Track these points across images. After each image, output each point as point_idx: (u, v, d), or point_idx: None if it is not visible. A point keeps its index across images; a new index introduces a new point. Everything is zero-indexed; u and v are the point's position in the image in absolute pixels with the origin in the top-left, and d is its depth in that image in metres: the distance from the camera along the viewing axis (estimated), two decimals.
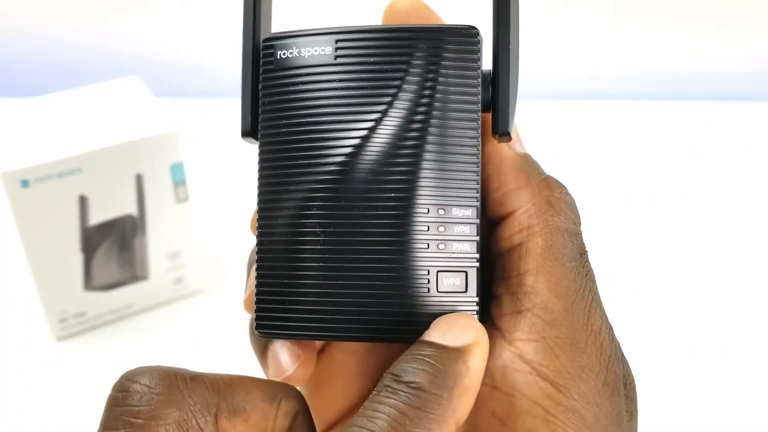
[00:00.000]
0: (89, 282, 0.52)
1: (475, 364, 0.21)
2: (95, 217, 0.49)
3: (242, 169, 0.68)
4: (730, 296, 0.58)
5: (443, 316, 0.22)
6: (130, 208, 0.50)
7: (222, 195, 0.66)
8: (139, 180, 0.49)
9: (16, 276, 0.57)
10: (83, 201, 0.48)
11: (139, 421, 0.21)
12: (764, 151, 0.75)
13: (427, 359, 0.21)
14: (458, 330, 0.22)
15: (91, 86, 0.52)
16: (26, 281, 0.52)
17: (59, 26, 0.80)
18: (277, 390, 0.24)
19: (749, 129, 0.78)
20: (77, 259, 0.50)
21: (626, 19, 0.80)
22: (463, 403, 0.21)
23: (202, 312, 0.56)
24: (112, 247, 0.51)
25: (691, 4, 0.79)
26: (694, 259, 0.61)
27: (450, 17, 0.26)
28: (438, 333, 0.22)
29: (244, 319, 0.54)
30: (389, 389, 0.20)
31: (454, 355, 0.21)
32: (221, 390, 0.23)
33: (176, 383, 0.22)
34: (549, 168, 0.26)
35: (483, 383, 0.23)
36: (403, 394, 0.20)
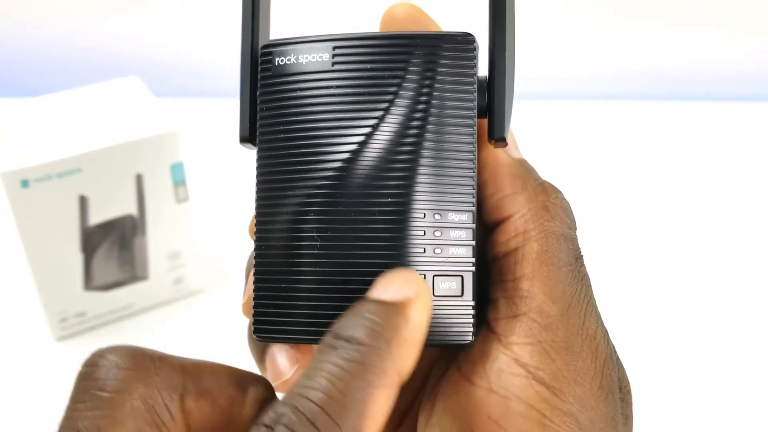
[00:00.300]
0: (89, 282, 0.52)
1: (415, 317, 0.21)
2: (95, 217, 0.49)
3: (242, 169, 0.68)
4: (727, 300, 0.57)
5: (386, 272, 0.23)
6: (130, 208, 0.50)
7: (222, 195, 0.66)
8: (139, 180, 0.49)
9: (16, 276, 0.57)
10: (83, 201, 0.48)
11: (105, 394, 0.21)
12: (764, 151, 0.75)
13: (366, 314, 0.21)
14: (398, 285, 0.22)
15: (91, 86, 0.52)
16: (26, 281, 0.52)
17: (59, 26, 0.80)
18: (246, 377, 0.24)
19: (749, 129, 0.78)
20: (77, 259, 0.50)
21: (626, 19, 0.80)
22: (403, 355, 0.21)
23: (202, 312, 0.56)
24: (112, 247, 0.51)
25: (691, 4, 0.79)
26: (692, 262, 0.61)
27: (446, 24, 0.26)
28: (378, 289, 0.22)
29: (244, 319, 0.54)
30: (329, 347, 0.20)
31: (393, 309, 0.21)
32: (189, 371, 0.23)
33: (144, 361, 0.22)
34: (547, 169, 0.26)
35: (479, 386, 0.23)
36: (342, 349, 0.20)
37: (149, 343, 0.57)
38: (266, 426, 0.19)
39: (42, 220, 0.47)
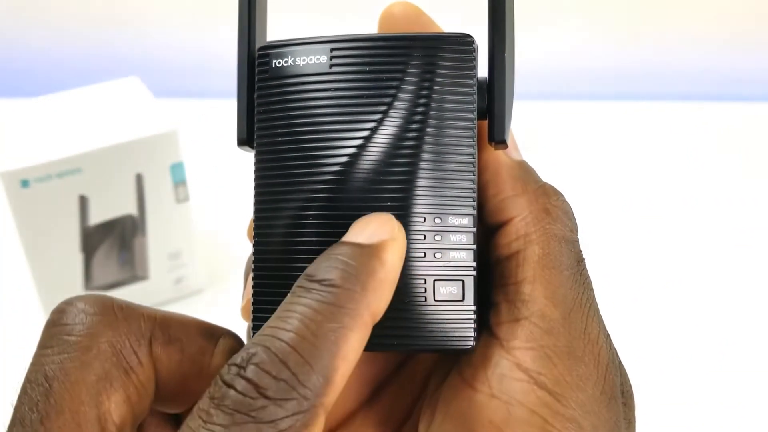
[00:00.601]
0: (89, 282, 0.52)
1: (390, 259, 0.21)
2: (95, 217, 0.49)
3: (242, 169, 0.67)
4: (729, 302, 0.57)
5: (362, 216, 0.22)
6: (130, 208, 0.50)
7: (222, 195, 0.66)
8: (139, 180, 0.49)
9: (16, 276, 0.57)
10: (83, 201, 0.48)
11: (73, 338, 0.21)
12: (764, 151, 0.75)
13: (340, 257, 0.21)
14: (373, 228, 0.22)
15: (91, 86, 0.52)
16: (26, 281, 0.52)
17: (59, 26, 0.80)
18: (216, 329, 0.24)
19: (749, 129, 0.78)
20: (77, 259, 0.50)
21: (626, 19, 0.80)
22: (377, 297, 0.21)
23: (202, 312, 0.55)
24: (112, 247, 0.51)
25: (692, 5, 0.79)
26: (693, 264, 0.61)
27: (445, 24, 0.26)
28: (353, 233, 0.22)
29: (245, 331, 0.54)
30: (302, 289, 0.20)
31: (368, 251, 0.21)
32: (157, 319, 0.23)
33: (111, 307, 0.22)
34: (547, 170, 0.26)
35: (481, 391, 0.23)
36: (315, 292, 0.20)
37: None
38: (237, 365, 0.19)
39: (42, 220, 0.47)
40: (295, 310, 0.20)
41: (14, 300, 0.56)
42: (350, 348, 0.20)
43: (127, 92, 0.51)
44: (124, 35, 0.80)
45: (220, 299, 0.57)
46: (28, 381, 0.21)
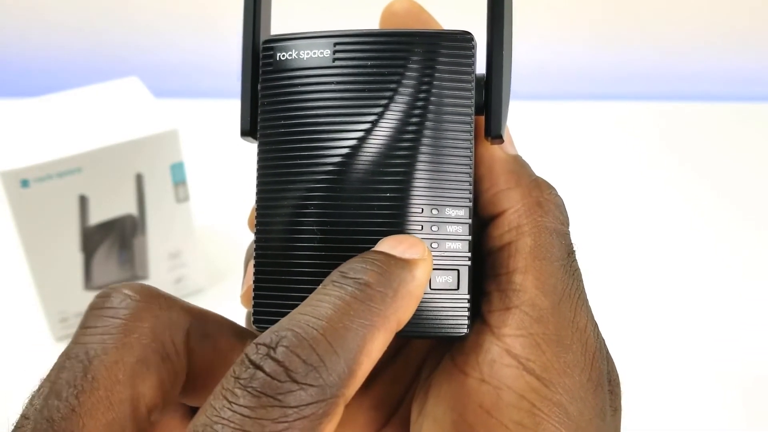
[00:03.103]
0: (89, 282, 0.52)
1: (420, 275, 0.22)
2: (95, 217, 0.49)
3: (242, 169, 0.68)
4: (718, 297, 0.58)
5: (392, 235, 0.23)
6: (130, 208, 0.50)
7: (222, 195, 0.66)
8: (139, 180, 0.49)
9: (16, 276, 0.57)
10: (83, 201, 0.48)
11: (117, 320, 0.22)
12: (764, 151, 0.75)
13: (375, 262, 0.21)
14: (406, 246, 0.22)
15: (91, 86, 0.52)
16: (26, 281, 0.52)
17: (59, 27, 0.80)
18: (246, 332, 0.25)
19: (749, 129, 0.79)
20: (77, 259, 0.50)
21: (626, 19, 0.80)
22: (405, 305, 0.21)
23: None
24: (112, 247, 0.51)
25: (691, 5, 0.79)
26: (685, 261, 0.61)
27: (445, 21, 0.26)
28: (387, 245, 0.23)
29: (244, 319, 0.54)
30: (336, 284, 0.21)
31: (401, 263, 0.22)
32: (195, 314, 0.24)
33: (155, 296, 0.23)
34: (545, 168, 0.26)
35: (472, 376, 0.23)
36: (348, 287, 0.20)
37: None
38: (266, 345, 0.19)
39: (42, 220, 0.47)
40: (327, 301, 0.20)
41: (14, 300, 0.56)
42: (374, 346, 0.20)
43: (127, 92, 0.52)
44: (124, 35, 0.81)
45: (220, 299, 0.57)
46: (68, 357, 0.21)
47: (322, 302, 0.20)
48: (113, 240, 0.51)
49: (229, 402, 0.18)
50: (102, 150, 0.47)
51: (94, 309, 0.23)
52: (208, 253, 0.59)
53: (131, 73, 0.54)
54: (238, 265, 0.58)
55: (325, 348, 0.19)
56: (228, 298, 0.56)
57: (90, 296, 0.55)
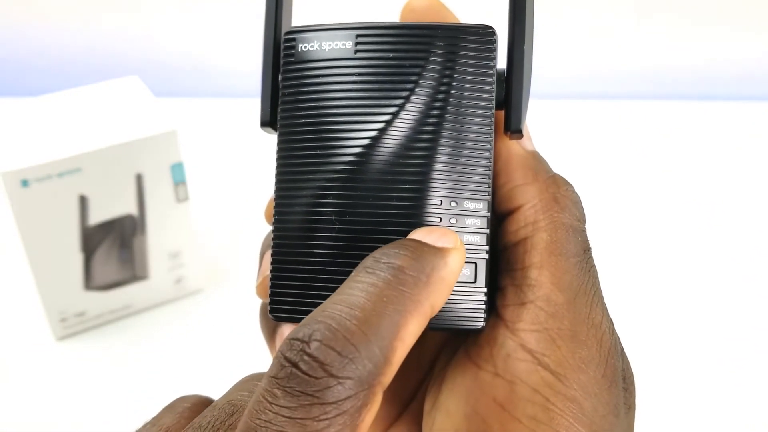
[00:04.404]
0: (89, 282, 0.52)
1: (452, 264, 0.22)
2: (95, 217, 0.49)
3: (242, 169, 0.68)
4: (731, 294, 0.58)
5: (423, 227, 0.23)
6: (130, 208, 0.50)
7: (222, 195, 0.66)
8: (139, 180, 0.49)
9: (16, 276, 0.57)
10: (83, 201, 0.48)
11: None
12: (764, 151, 0.75)
13: (408, 247, 0.21)
14: (438, 234, 0.22)
15: (91, 86, 0.52)
16: (26, 281, 0.52)
17: (59, 26, 0.80)
18: None
19: (749, 129, 0.79)
20: (77, 258, 0.50)
21: (627, 19, 0.80)
22: (438, 291, 0.21)
23: (202, 312, 0.56)
24: (112, 247, 0.51)
25: (693, 4, 0.79)
26: (694, 259, 0.61)
27: (466, 16, 0.26)
28: (419, 234, 0.23)
29: (244, 318, 0.54)
30: (368, 269, 0.21)
31: (434, 250, 0.22)
32: None
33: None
34: (554, 166, 0.26)
35: (486, 370, 0.23)
36: (382, 273, 0.20)
37: (149, 342, 0.57)
38: (300, 340, 0.19)
39: (42, 220, 0.47)
40: (360, 288, 0.20)
41: (14, 300, 0.56)
42: (408, 332, 0.20)
43: (127, 92, 0.51)
44: (125, 34, 0.81)
45: (220, 299, 0.57)
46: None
47: (354, 290, 0.20)
48: (113, 240, 0.51)
49: (269, 403, 0.18)
50: (102, 150, 0.47)
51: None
52: (208, 253, 0.59)
53: (132, 72, 0.54)
54: (238, 265, 0.59)
55: (359, 338, 0.19)
56: (228, 298, 0.57)
57: (90, 296, 0.56)
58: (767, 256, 0.62)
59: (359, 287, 0.20)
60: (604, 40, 0.82)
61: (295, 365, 0.18)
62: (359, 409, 0.18)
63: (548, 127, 0.76)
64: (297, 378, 0.18)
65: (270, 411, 0.18)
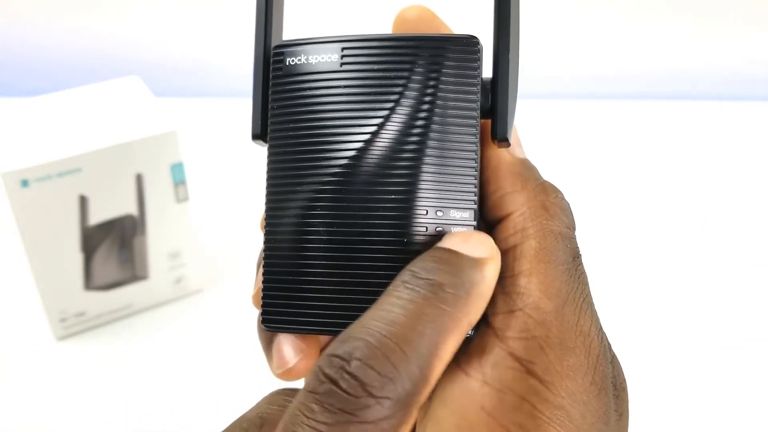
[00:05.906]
0: (89, 282, 0.52)
1: (490, 275, 0.22)
2: (95, 217, 0.49)
3: (242, 169, 0.68)
4: (725, 299, 0.58)
5: (458, 231, 0.23)
6: (130, 208, 0.50)
7: (222, 195, 0.66)
8: (139, 180, 0.49)
9: (16, 276, 0.57)
10: (83, 201, 0.48)
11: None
12: (764, 151, 0.75)
13: (446, 261, 0.21)
14: (475, 242, 0.22)
15: (91, 86, 0.52)
16: (26, 281, 0.52)
17: (59, 26, 0.80)
18: None
19: (749, 129, 0.79)
20: (77, 258, 0.50)
21: (627, 19, 0.80)
22: (476, 308, 0.21)
23: (202, 312, 0.56)
24: (112, 247, 0.51)
25: (692, 4, 0.79)
26: (690, 262, 0.61)
27: (458, 26, 0.26)
28: (454, 241, 0.23)
29: (244, 319, 0.54)
30: (407, 285, 0.21)
31: (471, 262, 0.22)
32: None
33: None
34: (547, 168, 0.26)
35: (475, 378, 0.23)
36: (420, 289, 0.20)
37: (149, 342, 0.57)
38: (339, 357, 0.19)
39: (42, 220, 0.47)
40: (399, 305, 0.20)
41: (14, 300, 0.56)
42: (447, 350, 0.20)
43: (128, 91, 0.51)
44: (125, 34, 0.81)
45: (220, 299, 0.57)
46: None
47: (394, 306, 0.20)
48: (113, 240, 0.51)
49: (306, 417, 0.18)
50: (102, 150, 0.47)
51: None
52: (208, 253, 0.59)
53: (132, 72, 0.54)
54: (238, 266, 0.59)
55: (399, 357, 0.19)
56: (228, 298, 0.57)
57: (90, 296, 0.56)
58: (766, 258, 0.62)
59: (398, 303, 0.20)
60: (604, 40, 0.82)
61: (334, 382, 0.18)
62: (396, 427, 0.18)
63: (546, 127, 0.76)
64: (336, 395, 0.18)
65: (307, 425, 0.18)
